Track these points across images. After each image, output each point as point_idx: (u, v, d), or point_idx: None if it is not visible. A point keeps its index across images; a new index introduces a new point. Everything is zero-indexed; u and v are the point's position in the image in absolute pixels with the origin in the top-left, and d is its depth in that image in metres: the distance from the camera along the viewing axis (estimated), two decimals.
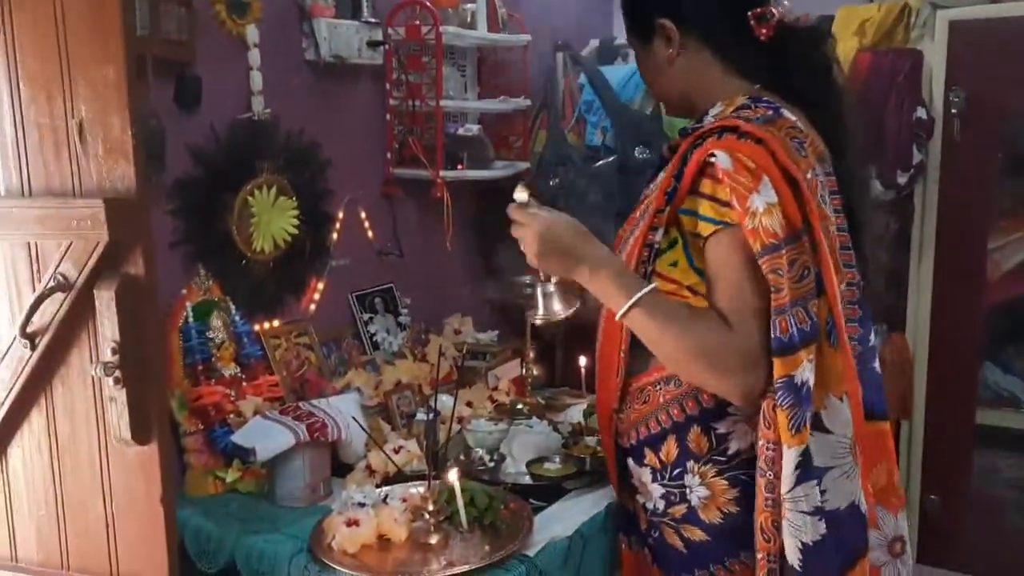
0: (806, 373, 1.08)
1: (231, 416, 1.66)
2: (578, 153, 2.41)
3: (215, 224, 1.74)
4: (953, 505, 2.18)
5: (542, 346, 2.34)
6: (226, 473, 1.65)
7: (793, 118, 1.17)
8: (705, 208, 1.13)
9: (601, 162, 2.34)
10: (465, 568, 1.33)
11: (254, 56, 1.77)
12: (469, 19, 2.17)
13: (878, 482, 1.23)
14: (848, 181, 1.22)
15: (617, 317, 1.15)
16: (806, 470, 1.09)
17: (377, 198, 2.19)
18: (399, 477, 1.67)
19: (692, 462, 1.22)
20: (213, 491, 1.65)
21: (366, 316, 2.14)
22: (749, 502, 1.17)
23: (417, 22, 2.08)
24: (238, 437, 1.59)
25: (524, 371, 2.16)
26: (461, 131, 2.15)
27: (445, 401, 1.97)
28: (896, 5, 2.23)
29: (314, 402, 1.71)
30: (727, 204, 1.11)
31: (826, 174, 1.18)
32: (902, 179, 2.12)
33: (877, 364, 1.25)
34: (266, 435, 1.57)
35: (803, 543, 1.10)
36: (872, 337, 1.25)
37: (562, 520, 1.52)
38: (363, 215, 2.12)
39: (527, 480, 1.66)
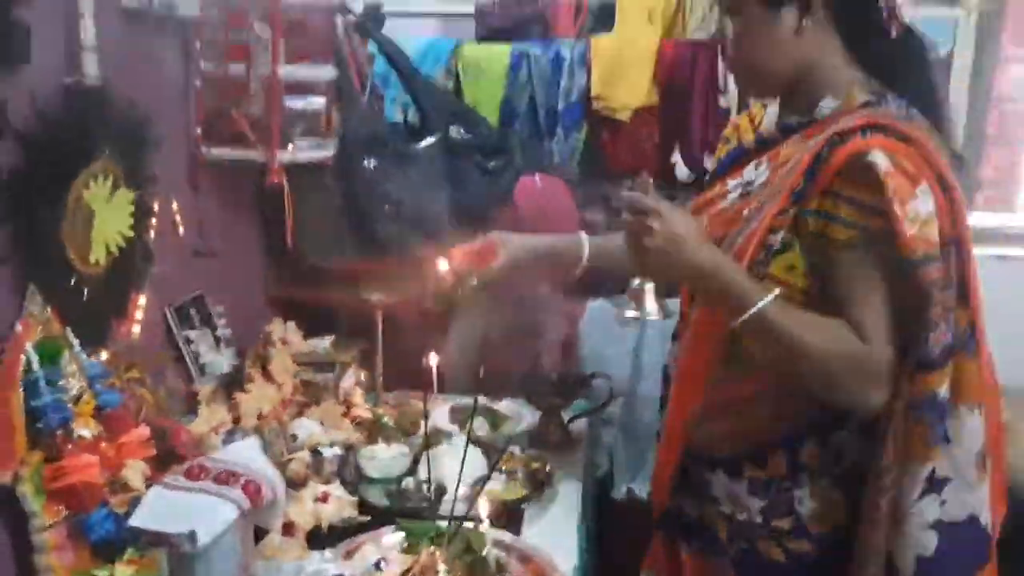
0: (945, 388, 1.09)
1: (111, 493, 1.22)
2: (389, 132, 2.19)
3: (48, 231, 1.25)
4: None
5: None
6: (108, 570, 1.22)
7: (924, 123, 1.15)
8: (845, 211, 1.08)
9: (425, 142, 2.15)
10: None
11: (86, 1, 1.29)
12: None
13: None
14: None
15: (738, 320, 1.08)
16: (932, 483, 1.11)
17: (181, 183, 1.76)
18: (317, 534, 1.39)
19: (804, 475, 1.19)
20: None
21: (187, 333, 1.72)
22: (859, 514, 1.17)
23: None
24: (143, 520, 1.18)
25: (373, 377, 1.94)
26: (303, 104, 1.81)
27: (306, 426, 1.70)
28: None
29: (216, 457, 1.33)
30: (873, 209, 1.07)
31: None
32: (708, 163, 2.28)
33: None
34: (191, 511, 1.18)
35: (918, 556, 1.12)
36: None
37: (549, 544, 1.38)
38: (175, 206, 1.69)
39: (477, 510, 1.48)
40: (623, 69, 2.26)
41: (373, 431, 1.74)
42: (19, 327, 1.19)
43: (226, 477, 1.25)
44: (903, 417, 1.10)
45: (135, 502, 1.23)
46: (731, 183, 1.25)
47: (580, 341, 2.26)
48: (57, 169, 1.26)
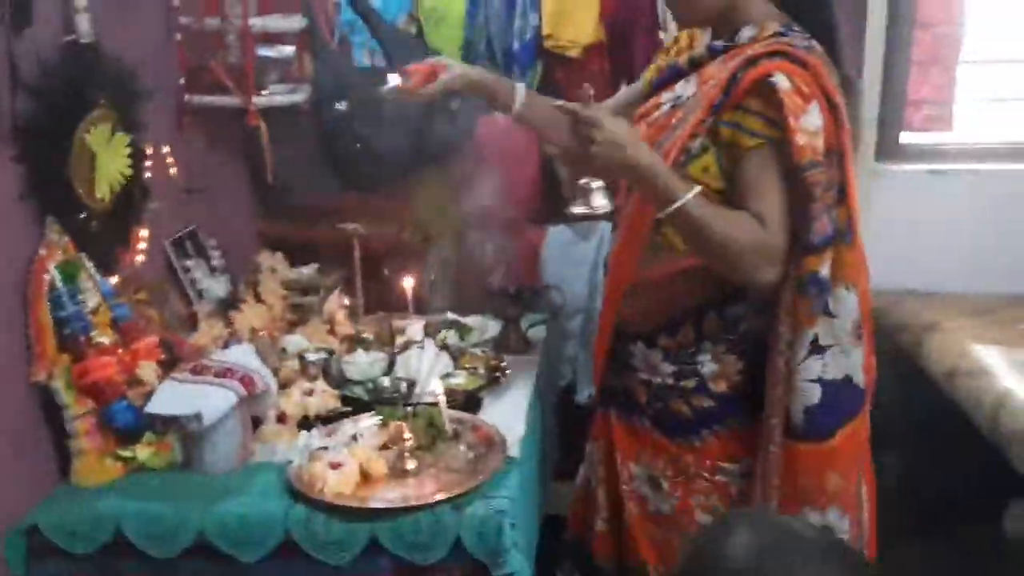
0: (826, 269, 1.32)
1: (128, 388, 1.46)
2: (358, 76, 2.38)
3: (58, 171, 1.47)
4: None
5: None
6: (131, 451, 1.46)
7: (819, 47, 1.36)
8: (752, 123, 1.29)
9: (387, 86, 2.34)
10: (476, 482, 1.40)
11: None
12: None
13: None
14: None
15: (665, 212, 1.29)
16: (816, 347, 1.35)
17: (170, 129, 1.96)
18: (305, 423, 1.63)
19: (707, 342, 1.43)
20: (114, 475, 1.46)
21: (185, 263, 1.95)
22: (750, 373, 1.43)
23: None
24: (158, 406, 1.42)
25: (355, 300, 2.16)
26: (273, 52, 2.01)
27: (295, 341, 1.92)
28: None
29: (214, 357, 1.57)
30: (774, 122, 1.28)
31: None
32: None
33: None
34: (197, 398, 1.43)
35: (806, 406, 1.37)
36: None
37: (509, 421, 1.63)
38: (165, 150, 1.90)
39: (442, 399, 1.73)
40: (571, 9, 2.41)
41: (354, 345, 1.98)
42: (43, 251, 1.42)
43: (224, 372, 1.50)
44: (792, 292, 1.34)
45: (149, 396, 1.47)
46: (665, 96, 1.46)
47: (541, 263, 2.48)
48: (62, 117, 1.47)
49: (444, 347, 1.89)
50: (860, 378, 1.42)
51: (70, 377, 1.41)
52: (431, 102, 1.71)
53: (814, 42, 1.39)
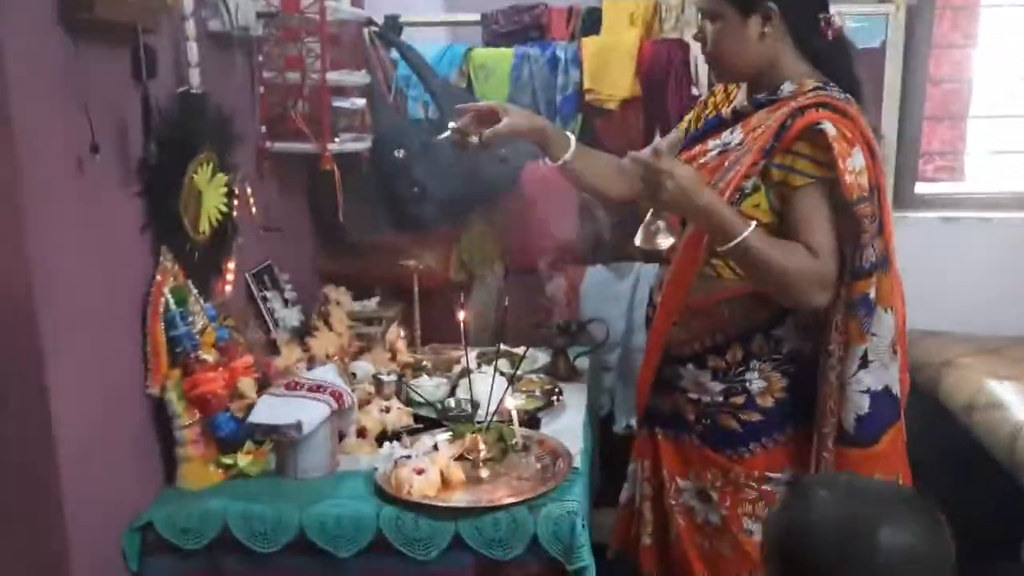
0: (873, 292, 1.48)
1: (231, 401, 1.62)
2: (413, 127, 2.58)
3: (172, 205, 1.64)
4: None
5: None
6: (232, 458, 1.62)
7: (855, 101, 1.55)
8: (802, 164, 1.47)
9: (444, 134, 2.53)
10: (548, 487, 1.55)
11: (190, 26, 1.68)
12: None
13: None
14: None
15: (728, 247, 1.46)
16: (864, 362, 1.51)
17: (253, 172, 2.15)
18: (383, 436, 1.78)
19: (754, 361, 1.59)
20: (215, 480, 1.61)
21: (264, 294, 2.11)
22: (795, 389, 1.58)
23: None
24: (259, 417, 1.58)
25: (412, 331, 2.33)
26: (347, 105, 2.20)
27: (362, 367, 2.08)
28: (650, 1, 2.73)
29: (306, 375, 1.73)
30: (824, 163, 1.46)
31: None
32: None
33: None
34: (295, 410, 1.58)
35: (857, 415, 1.52)
36: None
37: (568, 438, 1.77)
38: (248, 191, 2.08)
39: (515, 414, 1.86)
40: (609, 66, 2.62)
41: (415, 371, 2.13)
42: (159, 276, 1.59)
43: (316, 388, 1.65)
44: (843, 313, 1.51)
45: (249, 408, 1.62)
46: (711, 143, 1.64)
47: (581, 300, 2.65)
48: (177, 158, 1.65)
49: (502, 374, 2.05)
50: (897, 389, 1.59)
51: (181, 390, 1.57)
52: (488, 148, 1.80)
53: (849, 95, 1.57)
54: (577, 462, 1.66)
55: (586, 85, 2.65)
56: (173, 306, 1.58)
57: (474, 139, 1.75)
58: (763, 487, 1.62)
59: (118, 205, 1.52)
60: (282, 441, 1.60)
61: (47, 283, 1.29)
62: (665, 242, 1.54)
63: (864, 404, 1.53)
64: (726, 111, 1.68)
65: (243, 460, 1.61)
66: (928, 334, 3.03)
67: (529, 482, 1.57)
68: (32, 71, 1.27)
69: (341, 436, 1.73)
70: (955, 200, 3.17)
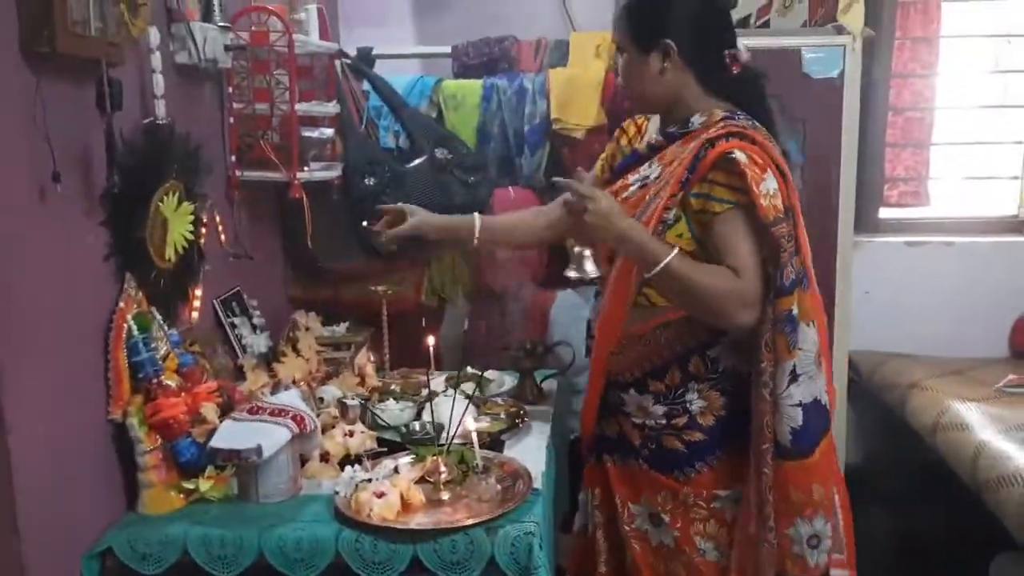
0: (796, 308, 1.54)
1: (193, 426, 1.63)
2: (384, 155, 2.62)
3: (135, 233, 1.67)
4: None
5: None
6: (194, 483, 1.63)
7: (762, 128, 1.62)
8: (719, 192, 1.54)
9: (415, 162, 2.58)
10: (506, 508, 1.56)
11: (156, 59, 1.71)
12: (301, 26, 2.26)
13: None
14: None
15: (652, 272, 1.52)
16: (794, 376, 1.55)
17: (222, 201, 2.18)
18: (346, 460, 1.79)
19: (693, 382, 1.64)
20: (177, 505, 1.62)
21: (232, 320, 2.14)
22: (734, 406, 1.63)
23: (263, 28, 2.12)
24: (220, 442, 1.59)
25: (381, 355, 2.35)
26: (315, 135, 2.24)
27: (329, 391, 2.10)
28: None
29: (269, 399, 1.74)
30: (739, 189, 1.52)
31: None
32: None
33: None
34: (256, 434, 1.60)
35: (792, 428, 1.56)
36: None
37: (531, 460, 1.78)
38: (217, 218, 2.11)
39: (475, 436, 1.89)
40: (576, 96, 2.67)
41: (383, 395, 2.15)
42: (122, 303, 1.61)
43: (278, 412, 1.67)
44: (770, 330, 1.55)
45: (211, 433, 1.64)
46: (631, 178, 1.70)
47: (550, 324, 2.68)
48: (142, 187, 1.68)
49: (467, 397, 2.07)
50: (825, 399, 1.64)
51: (143, 415, 1.58)
52: (393, 247, 2.03)
53: (756, 122, 1.64)
54: (538, 483, 1.68)
55: (553, 115, 2.70)
56: (136, 332, 1.60)
57: (382, 239, 2.00)
58: (712, 505, 1.66)
59: (81, 234, 1.55)
60: (243, 465, 1.61)
61: (3, 312, 1.31)
62: (590, 269, 1.61)
63: (798, 417, 1.57)
64: (640, 146, 1.75)
65: (204, 485, 1.62)
66: (895, 356, 3.09)
67: (488, 504, 1.59)
68: None
69: (304, 460, 1.74)
70: (919, 225, 3.24)
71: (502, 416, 1.98)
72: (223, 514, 1.59)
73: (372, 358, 2.34)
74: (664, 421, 1.66)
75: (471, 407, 2.00)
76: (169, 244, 1.77)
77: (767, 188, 1.53)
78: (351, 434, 1.81)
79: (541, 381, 2.26)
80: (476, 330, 2.69)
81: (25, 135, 1.37)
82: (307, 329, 2.34)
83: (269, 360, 2.15)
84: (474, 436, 1.68)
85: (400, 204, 2.01)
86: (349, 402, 1.91)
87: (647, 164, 1.68)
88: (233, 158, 2.18)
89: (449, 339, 2.78)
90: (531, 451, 1.86)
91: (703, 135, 1.59)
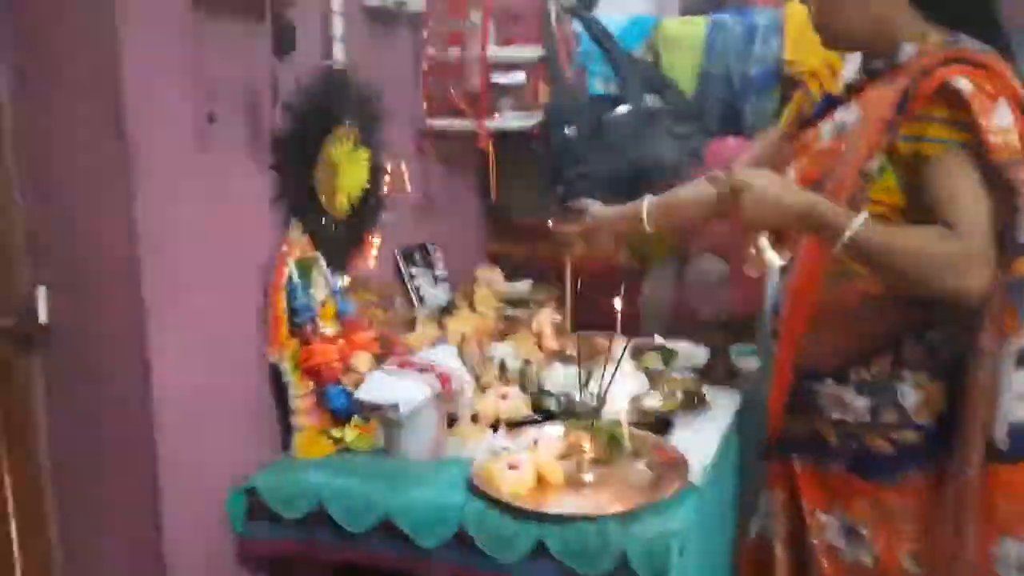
0: None
1: (343, 374, 1.62)
2: (589, 103, 2.46)
3: (305, 179, 1.67)
4: None
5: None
6: (341, 432, 1.62)
7: (995, 51, 1.29)
8: (935, 130, 1.24)
9: (616, 111, 2.40)
10: (653, 499, 1.40)
11: (337, 1, 1.69)
12: None
13: None
14: None
15: (838, 246, 1.25)
16: (1021, 359, 1.23)
17: (410, 151, 2.15)
18: (498, 424, 1.70)
19: (906, 371, 1.35)
20: (326, 452, 1.62)
21: (412, 271, 2.12)
22: (957, 402, 1.32)
23: None
24: (364, 393, 1.57)
25: (562, 316, 2.22)
26: (506, 79, 2.14)
27: (502, 349, 2.01)
28: None
29: (421, 355, 1.70)
30: (961, 125, 1.23)
31: None
32: None
33: None
34: (399, 389, 1.55)
35: (1012, 423, 1.24)
36: None
37: (696, 447, 1.59)
38: (403, 167, 2.08)
39: (623, 414, 1.73)
40: (815, 36, 2.34)
41: (557, 359, 2.03)
42: (284, 248, 1.62)
43: (426, 368, 1.61)
44: (1000, 300, 1.23)
45: (360, 383, 1.61)
46: (823, 126, 1.42)
47: (765, 292, 2.40)
48: (312, 133, 1.67)
49: (645, 369, 1.90)
50: None
51: (297, 359, 1.59)
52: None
53: (987, 46, 1.30)
54: (696, 477, 1.48)
55: (788, 55, 2.38)
56: (296, 277, 1.61)
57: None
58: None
59: (247, 177, 1.57)
60: (386, 419, 1.57)
61: (154, 251, 1.35)
62: (776, 260, 1.34)
63: (1019, 411, 1.24)
64: (836, 88, 1.45)
65: (350, 435, 1.61)
66: None
67: (635, 491, 1.43)
68: (150, 43, 1.32)
69: (453, 420, 1.67)
70: None
71: (677, 394, 1.78)
72: (365, 466, 1.57)
73: (556, 319, 2.23)
74: (869, 417, 1.38)
75: (640, 381, 1.84)
76: (341, 190, 1.76)
77: (999, 121, 1.22)
78: (505, 397, 1.71)
79: (736, 357, 2.02)
80: (676, 297, 2.47)
81: (188, 75, 1.39)
82: (490, 284, 2.28)
83: (446, 311, 2.11)
84: (623, 414, 1.51)
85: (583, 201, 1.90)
86: (511, 362, 1.82)
87: (844, 108, 1.39)
88: (424, 106, 2.14)
89: (653, 304, 2.59)
90: (702, 438, 1.65)
91: (916, 65, 1.28)
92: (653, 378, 1.88)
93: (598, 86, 2.56)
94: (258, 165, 1.59)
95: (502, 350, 2.01)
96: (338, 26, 1.69)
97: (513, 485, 1.42)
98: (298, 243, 1.64)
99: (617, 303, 2.14)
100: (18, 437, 1.40)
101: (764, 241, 1.31)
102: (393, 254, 2.09)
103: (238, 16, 1.49)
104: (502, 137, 2.36)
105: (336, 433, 1.62)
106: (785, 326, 1.44)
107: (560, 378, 1.86)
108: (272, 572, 1.63)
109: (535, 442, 1.52)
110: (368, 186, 1.85)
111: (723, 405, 1.82)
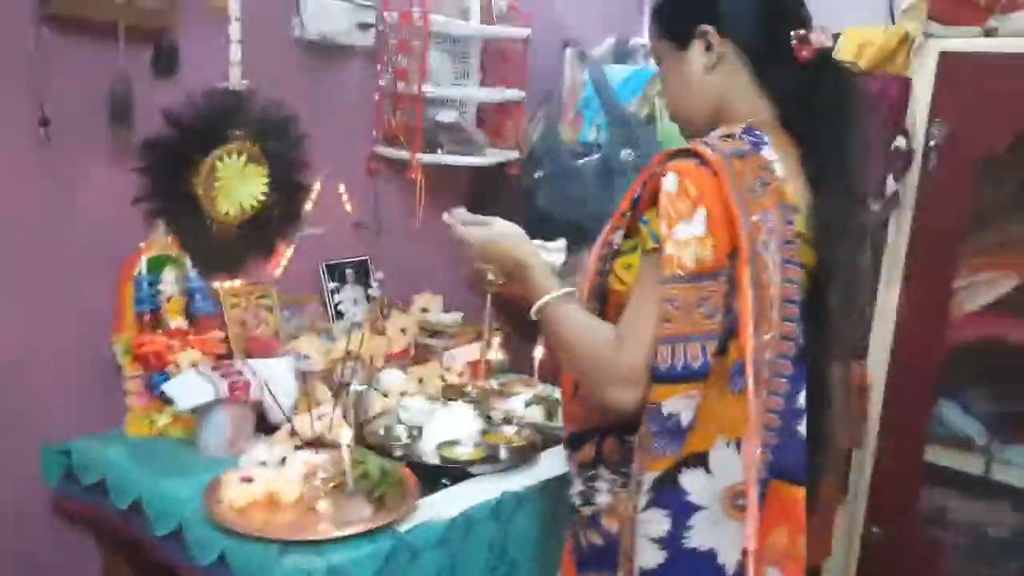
0: (677, 406, 1.10)
1: (171, 366, 1.77)
2: (567, 148, 2.44)
3: (180, 185, 1.83)
4: (896, 542, 2.16)
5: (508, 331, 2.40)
6: (158, 417, 1.77)
7: (772, 157, 1.17)
8: (656, 225, 1.14)
9: (584, 159, 2.36)
10: (333, 535, 1.41)
11: (235, 29, 1.86)
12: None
13: (775, 544, 1.21)
14: (824, 229, 1.21)
15: (532, 313, 1.23)
16: (659, 495, 1.13)
17: (360, 174, 2.27)
18: (323, 444, 1.75)
19: (603, 468, 1.25)
20: (148, 432, 1.78)
21: (333, 285, 2.23)
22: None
23: (411, 7, 2.14)
24: (168, 386, 1.70)
25: (482, 355, 2.22)
26: (440, 116, 2.20)
27: (394, 376, 2.06)
28: (901, 29, 2.17)
29: (251, 362, 1.80)
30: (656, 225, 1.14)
31: (786, 222, 1.16)
32: (875, 206, 2.08)
33: (803, 426, 1.20)
34: (190, 387, 1.67)
35: (641, 568, 1.14)
36: (801, 399, 1.20)
37: (456, 503, 1.57)
38: (341, 188, 2.21)
39: (436, 461, 1.72)
40: None
41: (456, 395, 2.04)
42: (143, 244, 1.80)
43: (232, 374, 1.72)
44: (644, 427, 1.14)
45: None
46: None
47: None
48: (195, 144, 1.83)
49: (485, 415, 1.88)
50: (732, 559, 1.14)
51: (131, 345, 1.77)
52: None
53: (766, 149, 1.17)
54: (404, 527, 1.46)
55: None
56: (144, 272, 1.79)
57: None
58: None
59: (105, 178, 1.77)
60: (195, 412, 1.70)
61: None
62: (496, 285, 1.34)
63: (648, 554, 1.15)
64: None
65: (163, 420, 1.76)
66: None
67: (331, 525, 1.44)
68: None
69: (273, 428, 1.76)
70: None
71: (510, 443, 1.78)
72: (165, 452, 1.71)
73: (482, 356, 2.24)
74: (578, 502, 1.29)
75: (471, 427, 1.82)
76: (227, 200, 1.91)
77: (681, 233, 1.10)
78: (321, 417, 1.77)
79: None
80: None
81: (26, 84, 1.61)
82: (424, 311, 2.33)
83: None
84: (344, 448, 1.52)
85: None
86: (357, 387, 1.87)
87: None
88: (374, 133, 2.25)
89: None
90: (475, 494, 1.61)
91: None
92: (492, 425, 1.86)
93: (590, 134, 2.53)
94: (118, 168, 1.78)
95: (391, 375, 2.06)
96: (235, 52, 1.85)
97: (236, 496, 1.49)
98: (158, 242, 1.82)
99: (538, 351, 2.13)
100: None
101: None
102: (318, 267, 2.21)
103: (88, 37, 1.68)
104: (482, 171, 2.44)
105: (158, 417, 1.77)
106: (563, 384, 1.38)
107: (415, 411, 1.87)
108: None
109: (283, 460, 1.57)
110: (266, 200, 1.98)
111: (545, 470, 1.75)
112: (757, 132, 1.19)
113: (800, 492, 1.21)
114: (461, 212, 1.39)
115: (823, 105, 1.21)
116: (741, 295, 1.10)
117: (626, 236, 1.23)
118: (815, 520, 2.01)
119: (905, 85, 2.07)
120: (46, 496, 1.77)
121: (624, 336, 1.13)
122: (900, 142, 2.03)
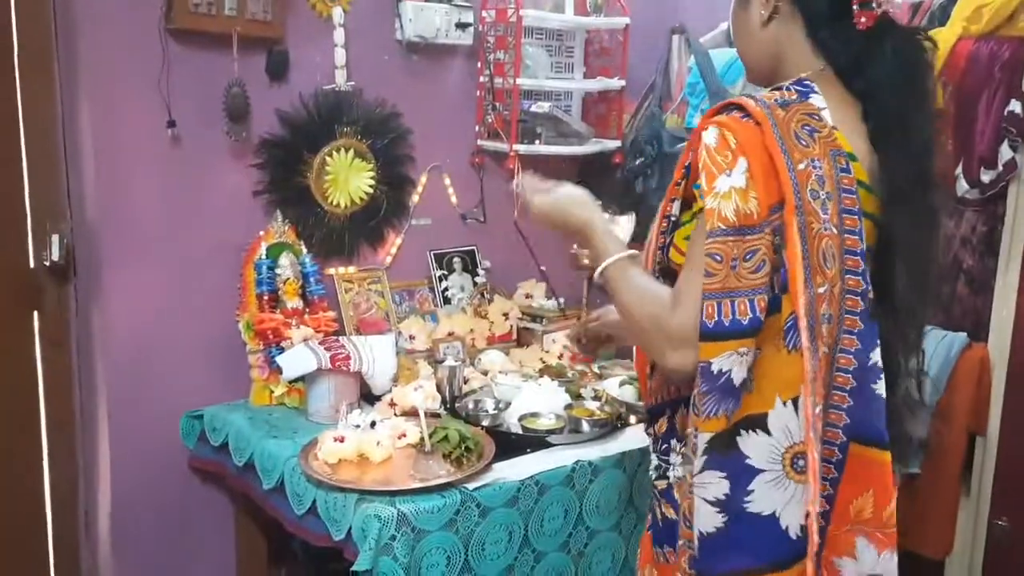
0: (728, 363, 1.06)
1: (286, 341, 1.96)
2: (670, 134, 2.46)
3: (294, 178, 2.04)
4: None
5: None
6: (275, 387, 1.97)
7: (821, 105, 1.14)
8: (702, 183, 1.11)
9: (679, 146, 2.37)
10: (406, 487, 1.53)
11: (339, 34, 2.04)
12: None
13: (862, 511, 1.16)
14: (890, 189, 1.16)
15: (596, 276, 1.22)
16: (713, 457, 1.10)
17: (465, 167, 2.40)
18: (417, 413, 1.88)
19: (675, 440, 1.23)
20: (268, 401, 1.97)
21: (440, 272, 2.37)
22: None
23: (508, 5, 2.24)
24: (279, 358, 1.89)
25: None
26: (533, 108, 2.29)
27: (494, 356, 2.18)
28: None
29: (355, 338, 1.97)
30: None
31: (840, 169, 1.12)
32: (986, 177, 1.97)
33: (881, 386, 1.14)
34: (297, 358, 1.85)
35: (700, 531, 1.12)
36: (875, 355, 1.13)
37: (529, 468, 1.65)
38: (447, 181, 2.35)
39: (518, 431, 1.81)
40: None
41: (549, 374, 2.13)
42: (262, 232, 2.01)
43: (335, 347, 1.88)
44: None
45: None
46: None
47: None
48: (307, 141, 2.04)
49: (572, 392, 1.95)
50: (795, 522, 1.10)
51: (252, 322, 1.97)
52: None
53: (814, 97, 1.14)
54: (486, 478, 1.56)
55: None
56: (264, 256, 1.99)
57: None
58: None
59: (226, 174, 1.98)
60: (305, 381, 1.88)
61: (116, 228, 1.85)
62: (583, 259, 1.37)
63: (707, 518, 1.13)
64: None
65: (278, 390, 1.95)
66: None
67: (407, 479, 1.57)
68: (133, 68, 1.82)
69: (375, 399, 1.93)
70: None
71: (592, 416, 1.84)
72: (278, 418, 1.90)
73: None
74: (653, 475, 1.29)
75: (554, 400, 1.89)
76: (337, 193, 2.10)
77: (722, 184, 1.07)
78: (417, 389, 1.90)
79: None
80: None
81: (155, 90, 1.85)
82: (528, 296, 2.42)
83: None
84: (422, 415, 1.63)
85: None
86: (451, 363, 1.99)
87: None
88: (477, 127, 2.37)
89: None
90: (549, 462, 1.69)
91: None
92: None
93: (695, 120, 2.53)
94: (239, 164, 1.99)
95: (491, 356, 2.18)
96: (340, 56, 2.03)
97: (327, 454, 1.64)
98: (276, 231, 2.02)
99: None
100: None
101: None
102: (426, 255, 2.36)
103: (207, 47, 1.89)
104: (587, 160, 2.52)
105: (273, 388, 1.97)
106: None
107: (506, 387, 1.97)
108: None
109: (372, 424, 1.71)
110: (373, 192, 2.15)
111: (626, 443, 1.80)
112: (807, 82, 1.16)
113: (884, 455, 1.14)
114: (529, 179, 1.40)
115: (882, 71, 1.16)
116: (790, 246, 1.06)
117: (684, 208, 1.21)
118: (932, 513, 1.86)
119: (1021, 47, 1.95)
120: (185, 456, 2.00)
121: (678, 298, 1.11)
122: (1015, 107, 1.91)
